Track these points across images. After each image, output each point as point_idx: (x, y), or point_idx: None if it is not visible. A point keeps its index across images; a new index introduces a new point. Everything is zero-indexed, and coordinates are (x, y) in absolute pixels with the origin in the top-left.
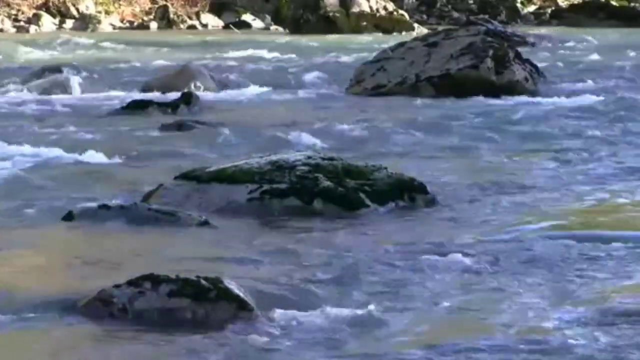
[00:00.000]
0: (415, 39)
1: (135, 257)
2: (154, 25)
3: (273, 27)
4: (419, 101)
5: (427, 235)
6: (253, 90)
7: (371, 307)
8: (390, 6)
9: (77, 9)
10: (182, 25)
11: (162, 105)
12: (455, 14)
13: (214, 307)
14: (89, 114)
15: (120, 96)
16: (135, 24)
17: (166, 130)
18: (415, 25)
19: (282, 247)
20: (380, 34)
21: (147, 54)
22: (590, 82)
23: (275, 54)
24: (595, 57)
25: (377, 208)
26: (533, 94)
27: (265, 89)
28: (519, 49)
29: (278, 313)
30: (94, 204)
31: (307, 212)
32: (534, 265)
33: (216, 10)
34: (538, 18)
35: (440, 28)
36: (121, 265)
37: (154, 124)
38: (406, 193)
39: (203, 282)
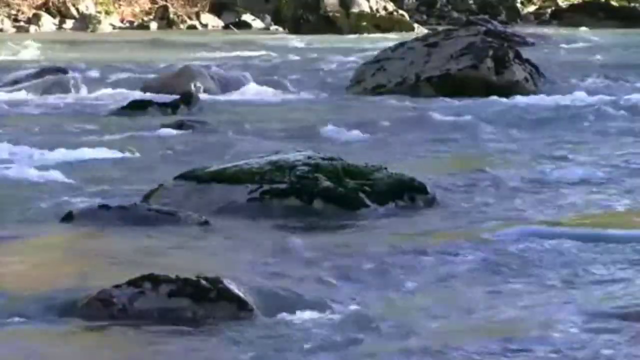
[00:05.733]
0: (415, 39)
1: (135, 257)
2: (154, 25)
3: (273, 27)
4: (419, 101)
5: (427, 235)
6: (253, 90)
7: (371, 307)
8: (390, 6)
9: (77, 9)
10: (182, 25)
11: (162, 105)
12: (455, 14)
13: (214, 307)
14: (89, 114)
15: (120, 96)
16: (135, 24)
17: (166, 130)
18: (415, 25)
19: (282, 247)
20: (380, 34)
21: (147, 54)
22: (590, 82)
23: (275, 54)
24: (595, 57)
25: (377, 208)
26: (533, 94)
27: (265, 89)
28: (519, 49)
29: (278, 313)
30: (94, 204)
31: (307, 212)
32: (534, 265)
33: (216, 11)
34: (538, 18)
35: (440, 28)
36: (121, 265)
37: (154, 124)
38: (406, 193)
39: (203, 282)
